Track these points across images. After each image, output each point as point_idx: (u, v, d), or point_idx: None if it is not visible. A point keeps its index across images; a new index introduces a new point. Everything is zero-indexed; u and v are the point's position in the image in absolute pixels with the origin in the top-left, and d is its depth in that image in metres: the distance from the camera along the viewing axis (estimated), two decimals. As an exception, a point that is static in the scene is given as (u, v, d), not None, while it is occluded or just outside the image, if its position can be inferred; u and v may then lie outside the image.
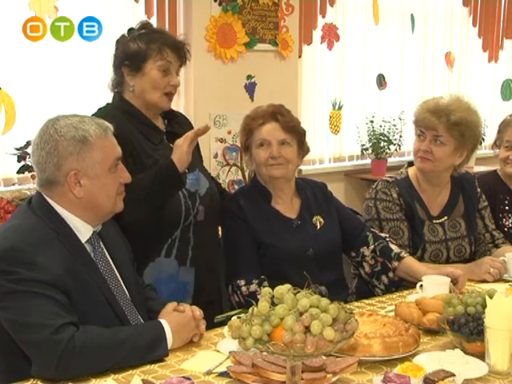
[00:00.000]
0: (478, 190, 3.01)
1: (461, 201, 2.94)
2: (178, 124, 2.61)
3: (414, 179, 2.89)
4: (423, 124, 2.79)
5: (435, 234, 2.83)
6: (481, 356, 1.84)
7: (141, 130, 2.43)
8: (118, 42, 2.51)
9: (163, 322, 1.94)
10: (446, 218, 2.88)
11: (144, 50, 2.41)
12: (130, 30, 2.50)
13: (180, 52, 2.47)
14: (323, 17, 5.32)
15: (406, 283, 2.62)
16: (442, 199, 2.91)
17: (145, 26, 2.52)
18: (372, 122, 5.63)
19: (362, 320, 1.98)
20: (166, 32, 2.53)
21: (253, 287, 2.44)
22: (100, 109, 2.49)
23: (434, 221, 2.86)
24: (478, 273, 2.64)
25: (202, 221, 2.48)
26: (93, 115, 2.37)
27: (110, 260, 2.02)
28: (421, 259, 2.75)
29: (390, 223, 2.79)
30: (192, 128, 2.63)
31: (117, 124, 2.31)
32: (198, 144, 2.68)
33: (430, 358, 1.84)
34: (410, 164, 2.95)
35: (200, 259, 2.48)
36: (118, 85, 2.49)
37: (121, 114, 2.41)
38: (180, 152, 2.34)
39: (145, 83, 2.42)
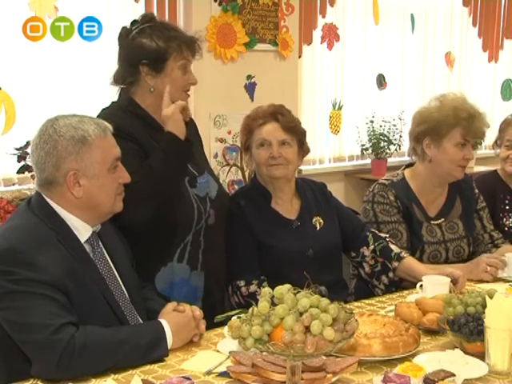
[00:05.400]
0: (476, 190, 3.01)
1: (458, 202, 2.93)
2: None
3: (411, 181, 2.88)
4: (478, 134, 2.81)
5: (433, 234, 2.83)
6: (481, 356, 1.84)
7: (149, 133, 2.37)
8: (124, 36, 2.40)
9: (163, 321, 1.94)
10: (442, 219, 2.87)
11: (164, 49, 2.33)
12: (134, 23, 2.40)
13: (194, 48, 2.43)
14: (323, 17, 5.32)
15: (406, 283, 2.62)
16: (439, 200, 2.91)
17: (150, 19, 2.42)
18: (372, 122, 5.63)
19: (362, 320, 1.98)
20: (176, 26, 2.48)
21: (252, 288, 2.44)
22: (105, 109, 2.43)
23: (432, 222, 2.86)
24: (475, 272, 2.63)
25: (212, 224, 2.44)
26: (98, 115, 2.34)
27: (109, 260, 2.02)
28: (419, 260, 2.73)
29: (388, 226, 2.79)
30: (197, 129, 2.61)
31: (127, 125, 2.30)
32: (202, 146, 2.67)
33: (430, 358, 1.84)
34: (408, 166, 2.95)
35: (209, 263, 2.45)
36: (131, 83, 2.38)
37: (128, 115, 2.36)
38: (173, 122, 2.29)
39: (167, 83, 2.35)
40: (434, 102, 2.84)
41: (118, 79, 2.43)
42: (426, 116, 2.82)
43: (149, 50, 2.34)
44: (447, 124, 2.75)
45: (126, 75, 2.39)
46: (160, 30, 2.38)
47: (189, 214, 2.37)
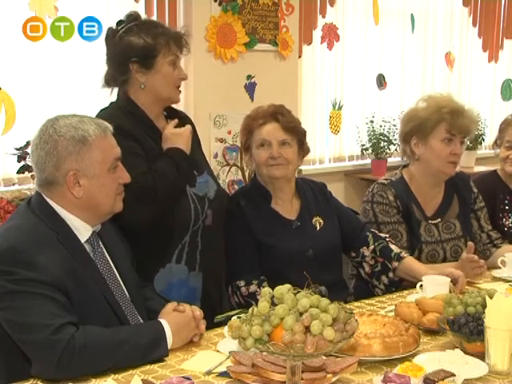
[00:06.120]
0: (475, 190, 3.00)
1: (455, 201, 2.93)
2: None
3: (409, 180, 2.88)
4: (464, 130, 2.80)
5: (431, 234, 2.83)
6: (481, 356, 1.84)
7: (147, 134, 2.39)
8: (111, 36, 2.41)
9: (163, 321, 1.94)
10: (439, 219, 2.87)
11: (152, 45, 2.35)
12: (120, 23, 2.41)
13: (181, 43, 2.44)
14: (323, 17, 5.31)
15: (406, 283, 2.62)
16: (436, 199, 2.90)
17: (136, 17, 2.43)
18: (372, 121, 5.63)
19: (362, 320, 1.98)
20: (162, 23, 2.50)
21: (252, 288, 2.44)
22: (104, 109, 2.44)
23: (430, 221, 2.85)
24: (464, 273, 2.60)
25: (210, 225, 2.45)
26: (97, 115, 2.35)
27: (110, 260, 2.02)
28: (418, 260, 2.73)
29: (388, 226, 2.78)
30: (195, 129, 2.61)
31: (126, 124, 2.31)
32: (201, 146, 2.67)
33: (430, 358, 1.84)
34: (405, 166, 2.95)
35: (207, 264, 2.46)
36: (123, 83, 2.41)
37: (127, 115, 2.37)
38: (185, 141, 2.38)
39: (158, 79, 2.37)
40: (421, 103, 2.86)
41: (109, 81, 2.45)
42: (411, 116, 2.85)
43: (137, 47, 2.35)
44: (432, 121, 2.77)
45: (117, 75, 2.41)
46: (147, 27, 2.39)
47: (186, 215, 2.38)
